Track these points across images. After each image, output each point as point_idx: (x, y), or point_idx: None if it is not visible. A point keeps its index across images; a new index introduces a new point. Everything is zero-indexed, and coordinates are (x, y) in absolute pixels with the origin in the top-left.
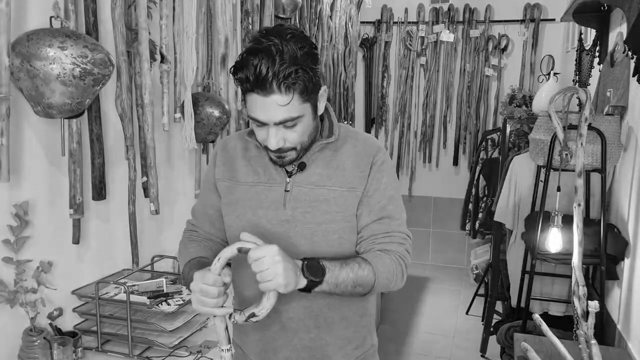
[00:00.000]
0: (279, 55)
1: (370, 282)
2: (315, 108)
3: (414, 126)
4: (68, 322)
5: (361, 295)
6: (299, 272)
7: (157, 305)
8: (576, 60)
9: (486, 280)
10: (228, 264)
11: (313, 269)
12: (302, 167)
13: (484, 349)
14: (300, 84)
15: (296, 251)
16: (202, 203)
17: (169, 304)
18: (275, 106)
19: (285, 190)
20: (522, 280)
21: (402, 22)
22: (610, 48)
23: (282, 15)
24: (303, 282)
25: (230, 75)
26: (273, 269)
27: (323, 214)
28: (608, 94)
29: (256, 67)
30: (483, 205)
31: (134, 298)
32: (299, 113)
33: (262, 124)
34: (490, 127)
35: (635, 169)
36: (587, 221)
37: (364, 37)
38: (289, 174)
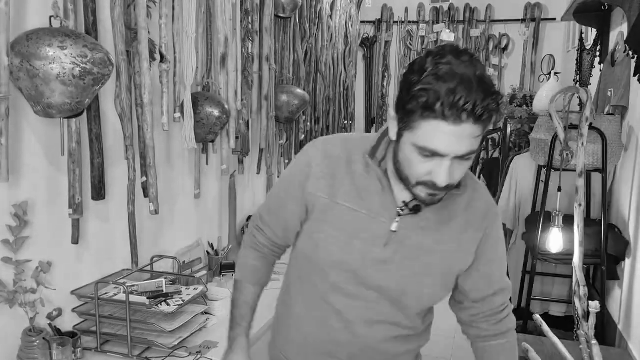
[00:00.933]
0: (478, 84)
1: None
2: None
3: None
4: (67, 322)
5: None
6: None
7: (156, 305)
8: (577, 59)
9: None
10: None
11: None
12: (417, 209)
13: None
14: (491, 115)
15: (381, 295)
16: (280, 208)
17: (168, 305)
18: (464, 138)
19: (391, 230)
20: (522, 280)
21: (403, 22)
22: (611, 48)
23: (282, 15)
24: None
25: (395, 103)
26: None
27: (424, 266)
28: (609, 93)
29: (454, 93)
30: None
31: (133, 298)
32: (478, 146)
33: (434, 156)
34: (490, 127)
35: (636, 169)
36: (588, 221)
37: (364, 37)
38: (399, 213)
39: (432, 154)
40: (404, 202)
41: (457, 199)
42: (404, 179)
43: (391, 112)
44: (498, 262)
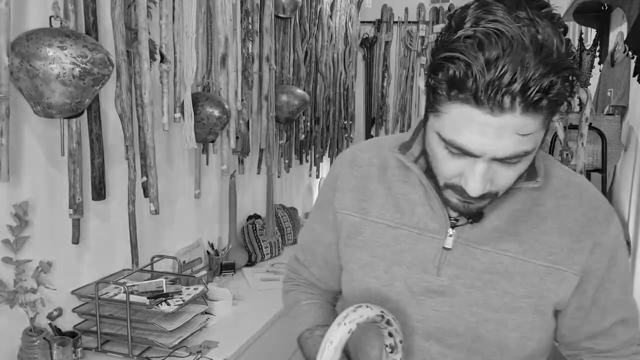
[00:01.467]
0: (535, 53)
1: None
2: (545, 134)
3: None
4: (68, 322)
5: None
6: None
7: (156, 305)
8: (576, 60)
9: None
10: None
11: None
12: (477, 217)
13: None
14: (556, 101)
15: (444, 345)
16: (311, 236)
17: (168, 304)
18: (506, 133)
19: (444, 248)
20: None
21: (402, 22)
22: (610, 48)
23: (282, 15)
24: None
25: (425, 71)
26: None
27: (501, 295)
28: (609, 94)
29: (496, 67)
30: None
31: (133, 298)
32: (533, 145)
33: (466, 155)
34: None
35: (636, 169)
36: None
37: (364, 37)
38: (454, 223)
39: (459, 151)
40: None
41: (544, 196)
42: (433, 177)
43: (420, 83)
44: (618, 283)
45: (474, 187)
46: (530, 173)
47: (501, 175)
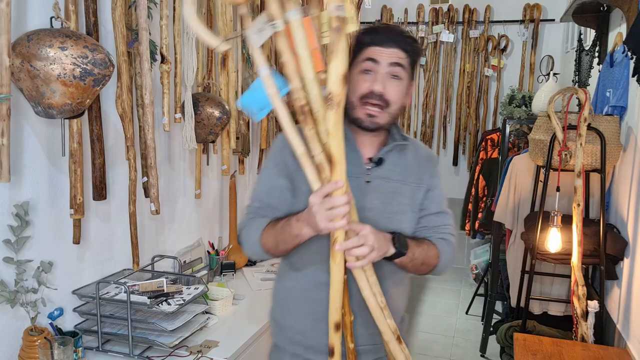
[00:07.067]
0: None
1: (433, 263)
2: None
3: (413, 126)
4: (68, 322)
5: (424, 272)
6: (389, 243)
7: (157, 305)
8: (576, 60)
9: (486, 280)
10: None
11: (402, 241)
12: (379, 163)
13: (483, 348)
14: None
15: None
16: (267, 188)
17: (169, 304)
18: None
19: (367, 182)
20: (521, 280)
21: (402, 23)
22: (609, 48)
23: None
24: (392, 251)
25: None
26: (371, 239)
27: (399, 205)
28: (607, 94)
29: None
30: (483, 205)
31: (134, 298)
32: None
33: (372, 69)
34: (489, 127)
35: (635, 169)
36: (587, 221)
37: None
38: (368, 169)
39: (372, 60)
40: (369, 158)
41: (406, 148)
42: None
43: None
44: (439, 190)
45: (378, 87)
46: (404, 139)
47: (390, 89)
